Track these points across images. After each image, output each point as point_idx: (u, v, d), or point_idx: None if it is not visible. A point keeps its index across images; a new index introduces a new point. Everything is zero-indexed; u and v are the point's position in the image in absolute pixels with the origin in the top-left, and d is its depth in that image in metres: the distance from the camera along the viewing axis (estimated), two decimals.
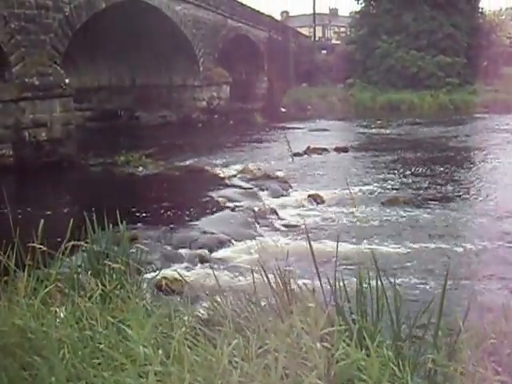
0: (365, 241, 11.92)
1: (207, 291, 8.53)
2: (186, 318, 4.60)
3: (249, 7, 49.50)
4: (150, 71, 38.71)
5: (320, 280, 4.47)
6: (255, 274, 4.85)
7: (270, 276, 4.54)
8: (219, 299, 4.74)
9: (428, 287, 9.66)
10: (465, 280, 9.64)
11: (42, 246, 5.10)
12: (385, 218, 14.38)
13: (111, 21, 30.17)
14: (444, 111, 44.89)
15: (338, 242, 6.17)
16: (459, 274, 9.97)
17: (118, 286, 5.17)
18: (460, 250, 11.87)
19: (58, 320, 4.41)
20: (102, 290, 4.99)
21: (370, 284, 4.49)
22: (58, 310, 4.63)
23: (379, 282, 4.38)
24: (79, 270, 5.63)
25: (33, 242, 5.14)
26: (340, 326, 3.93)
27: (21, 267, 5.03)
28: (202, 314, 4.88)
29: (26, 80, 22.18)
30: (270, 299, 4.61)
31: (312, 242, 11.33)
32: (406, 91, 48.37)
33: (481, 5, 57.86)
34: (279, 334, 3.75)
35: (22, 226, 5.31)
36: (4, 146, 21.95)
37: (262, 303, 4.65)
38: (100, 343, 3.97)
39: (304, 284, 4.88)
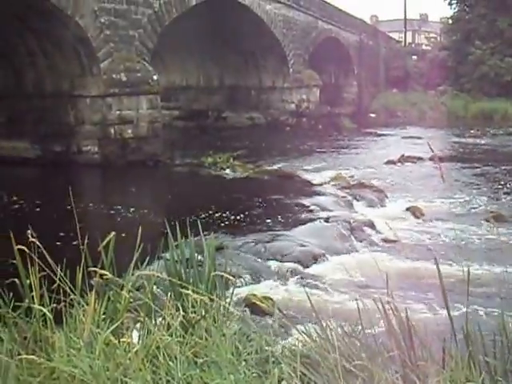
0: (484, 266, 10.65)
1: (302, 316, 7.69)
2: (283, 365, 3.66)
3: (339, 9, 49.03)
4: (239, 72, 38.53)
5: (449, 313, 3.60)
6: (357, 299, 4.02)
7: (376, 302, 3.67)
8: (319, 331, 3.87)
9: None
10: None
11: (106, 273, 4.27)
12: (494, 237, 13.01)
13: (201, 19, 29.79)
14: None
15: (468, 268, 4.77)
16: None
17: (203, 312, 4.36)
18: None
19: (129, 356, 3.62)
20: (184, 316, 4.23)
21: None
22: (129, 343, 3.85)
23: None
24: (156, 289, 4.90)
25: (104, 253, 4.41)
26: None
27: (87, 283, 4.29)
28: (301, 352, 3.87)
29: (114, 76, 21.98)
30: (385, 341, 3.69)
31: (419, 263, 10.31)
32: (500, 100, 46.61)
33: None
34: None
35: (96, 230, 4.52)
36: (90, 142, 21.97)
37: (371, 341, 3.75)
38: None
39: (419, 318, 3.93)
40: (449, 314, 3.59)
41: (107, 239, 4.38)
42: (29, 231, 4.38)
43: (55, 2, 19.78)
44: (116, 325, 3.98)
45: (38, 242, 4.28)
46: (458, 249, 12.08)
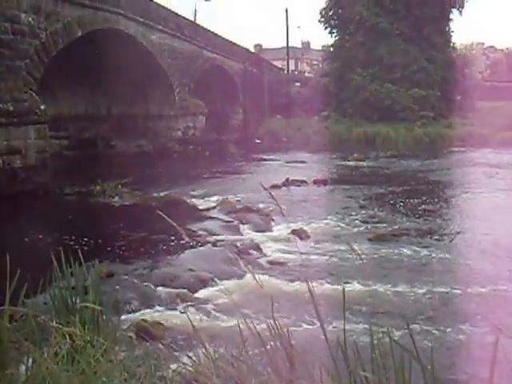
0: (360, 282, 11.13)
1: (192, 340, 7.97)
2: None
3: (224, 38, 49.73)
4: (126, 100, 38.52)
5: (325, 333, 3.66)
6: (242, 322, 3.99)
7: (262, 324, 3.87)
8: (203, 352, 3.99)
9: (445, 339, 8.92)
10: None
11: None
12: (376, 255, 13.75)
13: (88, 49, 29.76)
14: (419, 144, 44.79)
15: (343, 288, 5.02)
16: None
17: (90, 337, 4.38)
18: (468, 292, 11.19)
19: None
20: (71, 344, 4.19)
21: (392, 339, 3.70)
22: (13, 373, 3.85)
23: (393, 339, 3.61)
24: (42, 317, 4.65)
25: None
26: None
27: None
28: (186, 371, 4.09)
29: (0, 106, 21.65)
30: (265, 358, 3.83)
31: (300, 282, 10.82)
32: (381, 124, 48.20)
33: (453, 39, 58.60)
34: None
35: None
36: None
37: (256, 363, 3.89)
38: None
39: (303, 337, 4.23)
40: (324, 333, 3.64)
41: None
42: None
43: None
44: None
45: None
46: (340, 268, 12.70)
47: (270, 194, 4.39)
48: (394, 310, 9.73)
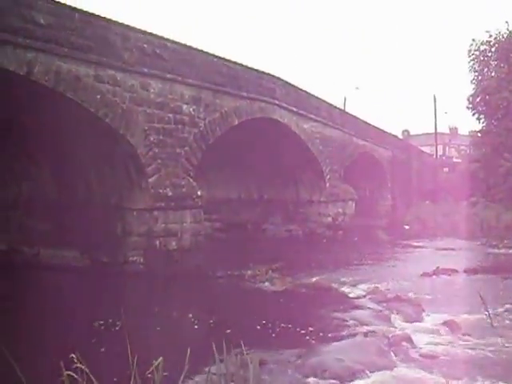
0: None
1: None
2: None
3: (373, 126, 50.36)
4: (277, 186, 39.49)
5: None
6: None
7: None
8: None
9: None
10: None
11: None
12: None
13: (241, 136, 30.88)
14: None
15: None
16: None
17: None
18: None
19: None
20: None
21: None
22: None
23: None
24: None
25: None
26: None
27: None
28: None
29: (161, 191, 22.91)
30: None
31: (459, 380, 10.50)
32: None
33: None
34: None
35: (143, 345, 4.84)
36: (136, 252, 22.74)
37: None
38: None
39: None
40: None
41: (156, 363, 4.57)
42: (73, 355, 4.72)
43: (109, 122, 21.07)
44: None
45: (86, 369, 4.56)
46: (502, 366, 12.12)
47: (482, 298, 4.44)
48: None
